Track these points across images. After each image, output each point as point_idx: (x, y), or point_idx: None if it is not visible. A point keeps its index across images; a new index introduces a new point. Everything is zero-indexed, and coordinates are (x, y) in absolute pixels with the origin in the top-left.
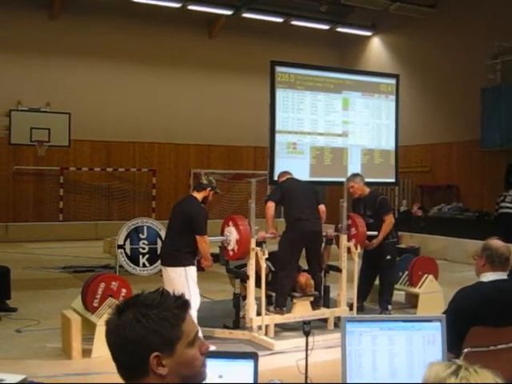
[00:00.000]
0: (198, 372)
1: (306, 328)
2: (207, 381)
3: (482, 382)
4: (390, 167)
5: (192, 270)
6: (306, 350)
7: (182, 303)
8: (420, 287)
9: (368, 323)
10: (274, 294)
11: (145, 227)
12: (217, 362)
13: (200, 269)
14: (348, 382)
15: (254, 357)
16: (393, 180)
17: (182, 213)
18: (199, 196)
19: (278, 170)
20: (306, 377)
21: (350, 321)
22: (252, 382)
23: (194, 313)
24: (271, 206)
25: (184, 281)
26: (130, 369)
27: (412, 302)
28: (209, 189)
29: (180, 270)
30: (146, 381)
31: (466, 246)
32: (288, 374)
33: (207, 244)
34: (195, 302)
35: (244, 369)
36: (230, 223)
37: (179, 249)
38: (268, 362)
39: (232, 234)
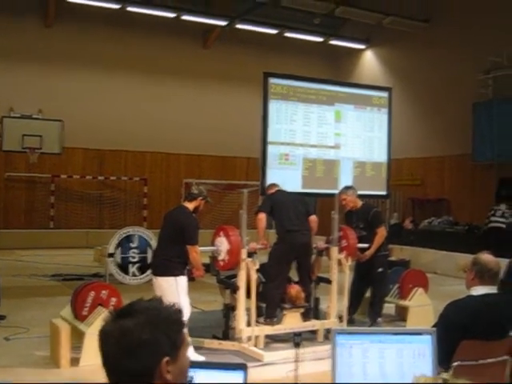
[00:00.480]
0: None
1: (297, 339)
2: None
3: None
4: (381, 180)
5: (183, 280)
6: (296, 361)
7: (180, 310)
8: (410, 300)
9: (359, 335)
10: (264, 305)
11: (136, 236)
12: (206, 373)
13: (190, 279)
14: None
15: (243, 368)
16: (384, 193)
17: (173, 222)
18: (190, 206)
19: (269, 181)
20: None
21: (341, 333)
22: None
23: None
24: (262, 217)
25: (174, 290)
26: (136, 375)
27: (402, 314)
28: (200, 198)
29: (171, 279)
30: None
31: (456, 259)
32: None
33: (198, 254)
34: (186, 312)
35: (233, 380)
36: (221, 233)
37: (170, 258)
38: (257, 374)
39: (223, 244)
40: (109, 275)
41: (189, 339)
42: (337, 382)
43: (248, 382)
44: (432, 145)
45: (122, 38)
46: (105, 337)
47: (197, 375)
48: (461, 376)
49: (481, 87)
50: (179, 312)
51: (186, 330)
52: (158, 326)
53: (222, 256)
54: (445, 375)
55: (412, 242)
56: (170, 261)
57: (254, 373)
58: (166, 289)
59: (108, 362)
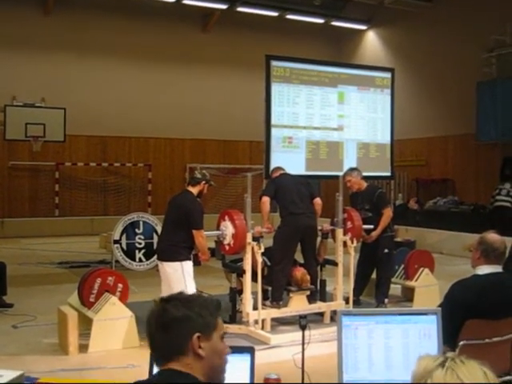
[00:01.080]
0: (224, 368)
1: (303, 322)
2: None
3: (468, 371)
4: (385, 161)
5: (188, 265)
6: (303, 343)
7: (218, 302)
8: (416, 280)
9: (364, 317)
10: (270, 289)
11: (141, 222)
12: None
13: (196, 263)
14: (344, 375)
15: (250, 351)
16: (388, 174)
17: (178, 207)
18: (194, 190)
19: (273, 165)
20: (303, 371)
21: (347, 314)
22: (248, 375)
23: None
24: (266, 200)
25: (180, 275)
26: (171, 348)
27: (408, 295)
28: (203, 182)
29: (176, 264)
30: (184, 361)
31: (461, 239)
32: (284, 367)
33: (204, 238)
34: None
35: (240, 363)
36: (226, 218)
37: (175, 244)
38: (264, 356)
39: (228, 228)
40: (115, 262)
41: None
42: (343, 363)
43: (255, 364)
44: (436, 125)
45: (121, 25)
46: (148, 317)
47: None
48: (466, 355)
49: (484, 66)
50: (216, 301)
51: None
52: (193, 306)
53: (228, 240)
54: (450, 354)
55: (417, 223)
56: (176, 246)
57: (261, 355)
58: (172, 274)
59: (150, 339)
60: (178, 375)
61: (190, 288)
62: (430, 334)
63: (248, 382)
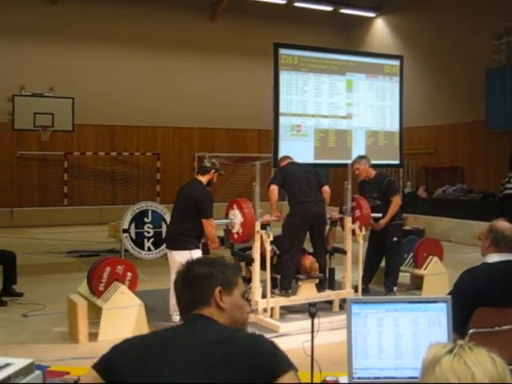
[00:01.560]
0: (246, 319)
1: (312, 310)
2: None
3: (476, 358)
4: (394, 149)
5: (197, 253)
6: (312, 331)
7: (238, 264)
8: (425, 269)
9: (374, 305)
10: (278, 277)
11: (149, 211)
12: None
13: (205, 251)
14: (354, 362)
15: None
16: (397, 162)
17: (187, 196)
18: (204, 179)
19: (281, 153)
20: (313, 358)
21: (356, 302)
22: None
23: None
24: (274, 189)
25: None
26: (196, 300)
27: (417, 283)
28: (213, 171)
29: (185, 253)
30: (207, 310)
31: (470, 227)
32: (294, 355)
33: (214, 227)
34: None
35: None
36: (235, 206)
37: (184, 232)
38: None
39: (236, 217)
40: (124, 251)
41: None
42: (353, 350)
43: None
44: (445, 112)
45: (129, 14)
46: (176, 277)
47: None
48: (476, 343)
49: (494, 53)
50: (237, 264)
51: None
52: (215, 265)
53: (236, 229)
54: (460, 342)
55: (426, 211)
56: (185, 235)
57: (285, 341)
58: (181, 262)
59: (177, 297)
60: (203, 318)
61: None
62: (440, 322)
63: None
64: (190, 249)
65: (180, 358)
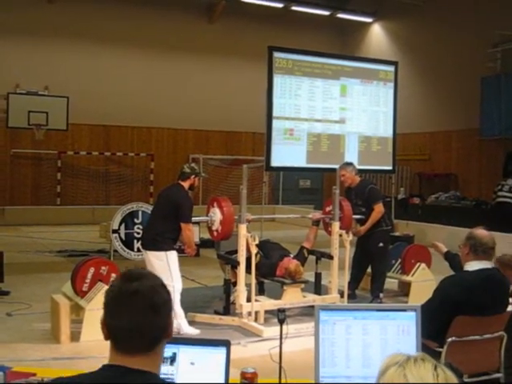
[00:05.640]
0: None
1: (281, 316)
2: (179, 369)
3: (417, 372)
4: (387, 155)
5: (173, 255)
6: (281, 338)
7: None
8: (412, 275)
9: (342, 312)
10: (264, 281)
11: (140, 212)
12: (189, 349)
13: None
14: (321, 369)
15: (226, 345)
16: (390, 168)
17: (169, 200)
18: (185, 184)
19: (274, 156)
20: (281, 366)
21: (324, 309)
22: (223, 369)
23: (177, 296)
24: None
25: (165, 265)
26: (159, 332)
27: (404, 290)
28: (193, 176)
29: (161, 254)
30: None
31: (462, 234)
32: (259, 362)
33: (191, 232)
34: (178, 285)
35: (216, 356)
36: (215, 204)
37: (161, 234)
38: (256, 349)
39: (216, 214)
40: (114, 251)
41: (181, 311)
42: (320, 358)
43: (231, 358)
44: (439, 119)
45: (126, 14)
46: (133, 293)
47: (181, 351)
48: (455, 351)
49: (489, 61)
50: None
51: (178, 302)
52: (165, 288)
53: (216, 226)
54: (415, 354)
55: (419, 217)
56: (161, 236)
57: (254, 348)
58: (156, 263)
59: (135, 320)
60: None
61: (176, 276)
62: (409, 331)
63: (223, 376)
64: (165, 250)
65: None
